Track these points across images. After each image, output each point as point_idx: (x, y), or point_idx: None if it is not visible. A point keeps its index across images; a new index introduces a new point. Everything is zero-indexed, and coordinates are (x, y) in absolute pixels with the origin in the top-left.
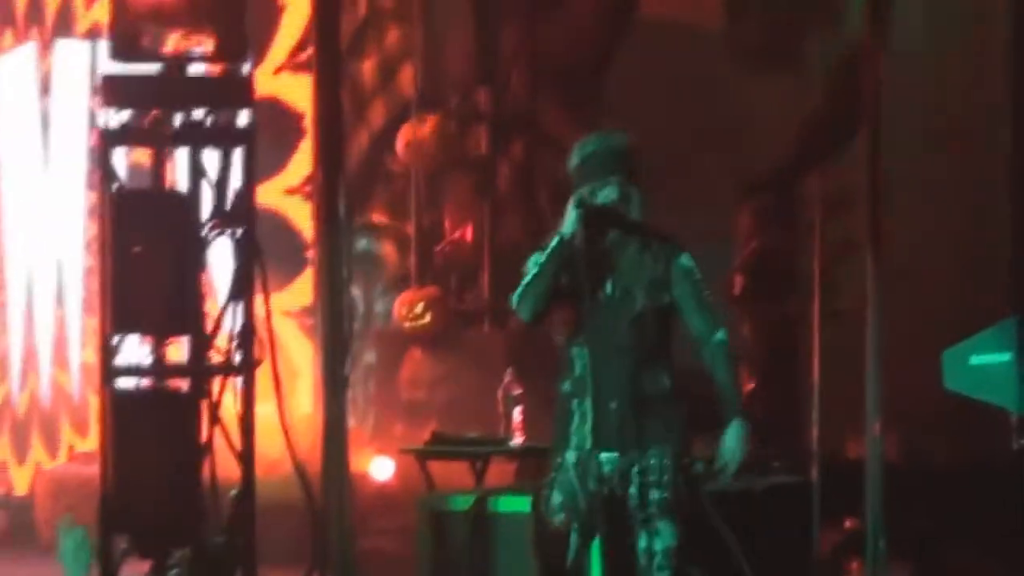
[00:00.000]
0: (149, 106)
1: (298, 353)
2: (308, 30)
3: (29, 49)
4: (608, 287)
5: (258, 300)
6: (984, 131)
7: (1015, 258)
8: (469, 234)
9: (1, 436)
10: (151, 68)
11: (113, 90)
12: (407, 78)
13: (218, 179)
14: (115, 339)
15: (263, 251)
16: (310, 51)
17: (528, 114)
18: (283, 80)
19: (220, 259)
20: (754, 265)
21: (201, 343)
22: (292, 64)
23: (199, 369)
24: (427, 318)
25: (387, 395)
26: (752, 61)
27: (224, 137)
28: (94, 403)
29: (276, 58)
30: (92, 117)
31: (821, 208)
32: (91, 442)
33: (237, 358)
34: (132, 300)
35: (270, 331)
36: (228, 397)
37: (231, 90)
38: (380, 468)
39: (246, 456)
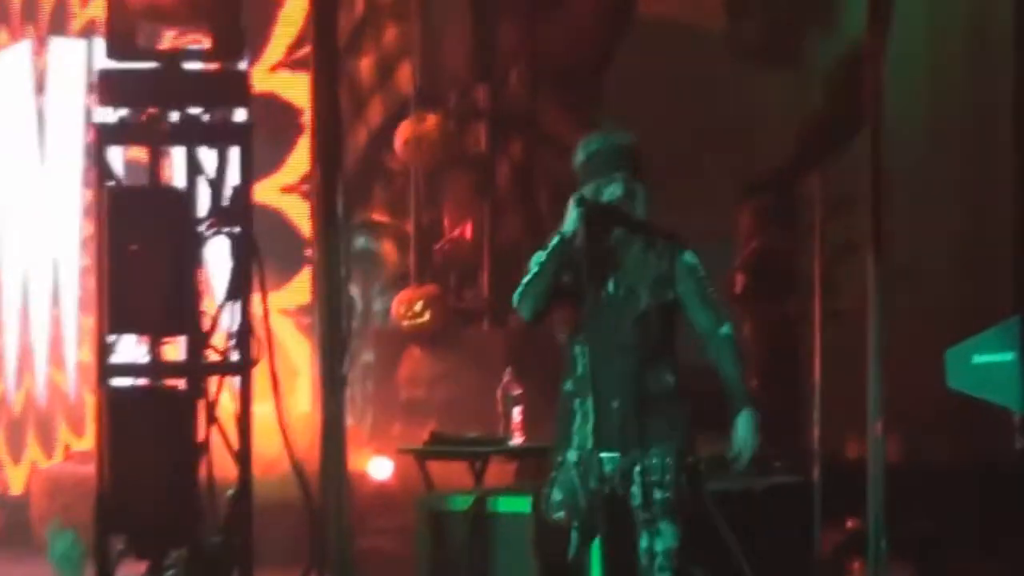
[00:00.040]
0: (145, 103)
1: (296, 352)
2: (305, 27)
3: (24, 47)
4: (611, 285)
5: (255, 299)
6: (985, 131)
7: (1017, 257)
8: (468, 232)
9: None
10: (147, 65)
11: (109, 87)
12: (405, 75)
13: (215, 177)
14: (111, 338)
15: (260, 249)
16: (307, 48)
17: (527, 112)
18: (280, 77)
19: (217, 257)
20: (754, 265)
21: (198, 342)
22: (289, 61)
23: (196, 368)
24: (426, 317)
25: (386, 394)
26: (752, 60)
27: (221, 134)
28: (90, 402)
29: (273, 55)
30: (88, 115)
31: (821, 208)
32: (87, 441)
33: (234, 357)
34: (128, 298)
35: (268, 330)
36: (225, 396)
37: (228, 87)
38: (378, 467)
39: (243, 455)
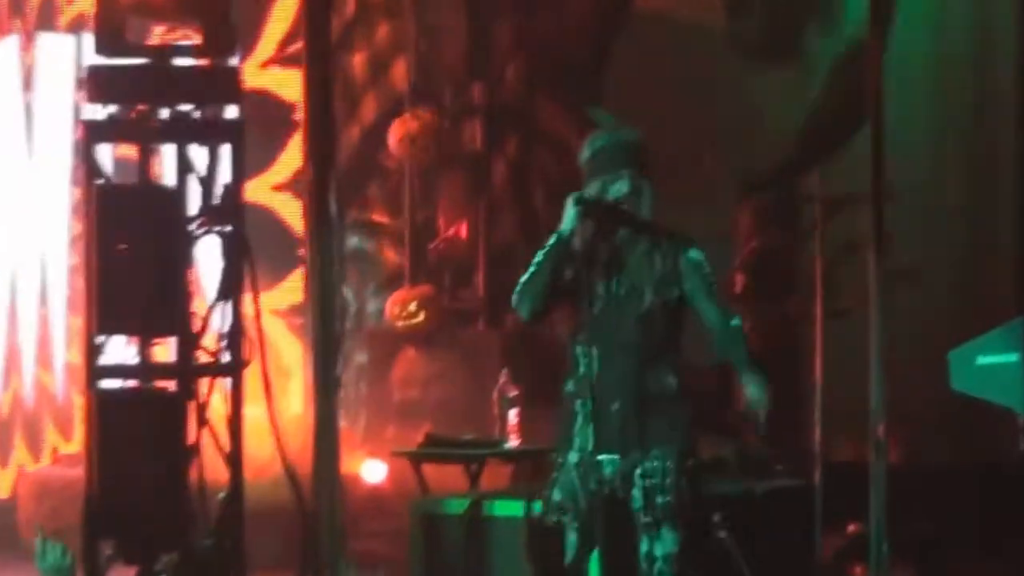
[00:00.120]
0: (135, 100)
1: (288, 353)
2: (297, 22)
3: (12, 42)
4: (614, 285)
5: (247, 299)
6: (988, 130)
7: (1020, 258)
8: (463, 231)
9: None
10: (137, 61)
11: (98, 83)
12: (400, 72)
13: (206, 175)
14: (100, 338)
15: (252, 249)
16: (299, 44)
17: (524, 109)
18: (272, 74)
19: (208, 257)
20: (754, 264)
21: (188, 343)
22: (281, 58)
23: (186, 369)
24: (420, 317)
25: (379, 396)
26: (752, 58)
27: (212, 132)
28: (79, 404)
29: (265, 51)
30: (76, 111)
31: (821, 208)
32: (75, 444)
33: (225, 358)
34: (118, 299)
35: (259, 331)
36: (216, 398)
37: (219, 84)
38: (372, 470)
39: (234, 458)
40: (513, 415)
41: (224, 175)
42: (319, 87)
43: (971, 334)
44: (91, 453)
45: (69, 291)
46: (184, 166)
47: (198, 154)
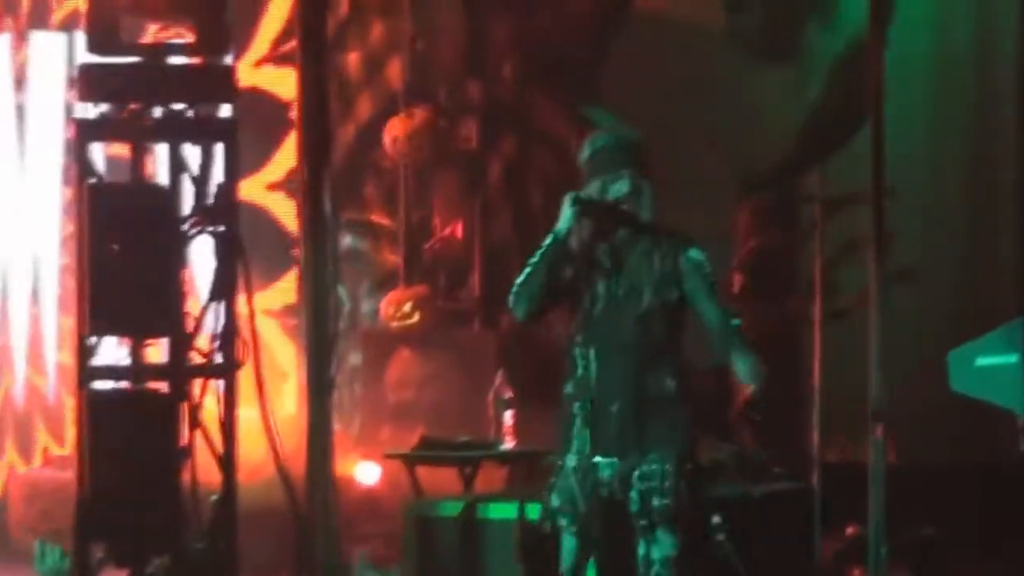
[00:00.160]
0: (128, 99)
1: (282, 354)
2: (291, 21)
3: (4, 41)
4: (614, 285)
5: (240, 299)
6: (988, 129)
7: (1021, 258)
8: (459, 231)
9: None
10: (130, 59)
11: (91, 82)
12: (395, 71)
13: (199, 174)
14: (92, 339)
15: (246, 249)
16: (294, 43)
17: (520, 108)
18: (266, 72)
19: (201, 257)
20: (753, 264)
21: (181, 344)
22: (275, 56)
23: (179, 371)
24: (415, 317)
25: (374, 397)
26: (751, 57)
27: (205, 131)
28: (70, 405)
29: (259, 50)
30: (69, 110)
31: (821, 208)
32: (68, 448)
33: (218, 359)
34: (110, 299)
35: (253, 331)
36: (209, 399)
37: (212, 83)
38: (366, 472)
39: (228, 460)
40: (508, 417)
41: (218, 174)
42: (313, 86)
43: (971, 334)
44: (83, 455)
45: (61, 291)
46: (177, 165)
47: (191, 153)
